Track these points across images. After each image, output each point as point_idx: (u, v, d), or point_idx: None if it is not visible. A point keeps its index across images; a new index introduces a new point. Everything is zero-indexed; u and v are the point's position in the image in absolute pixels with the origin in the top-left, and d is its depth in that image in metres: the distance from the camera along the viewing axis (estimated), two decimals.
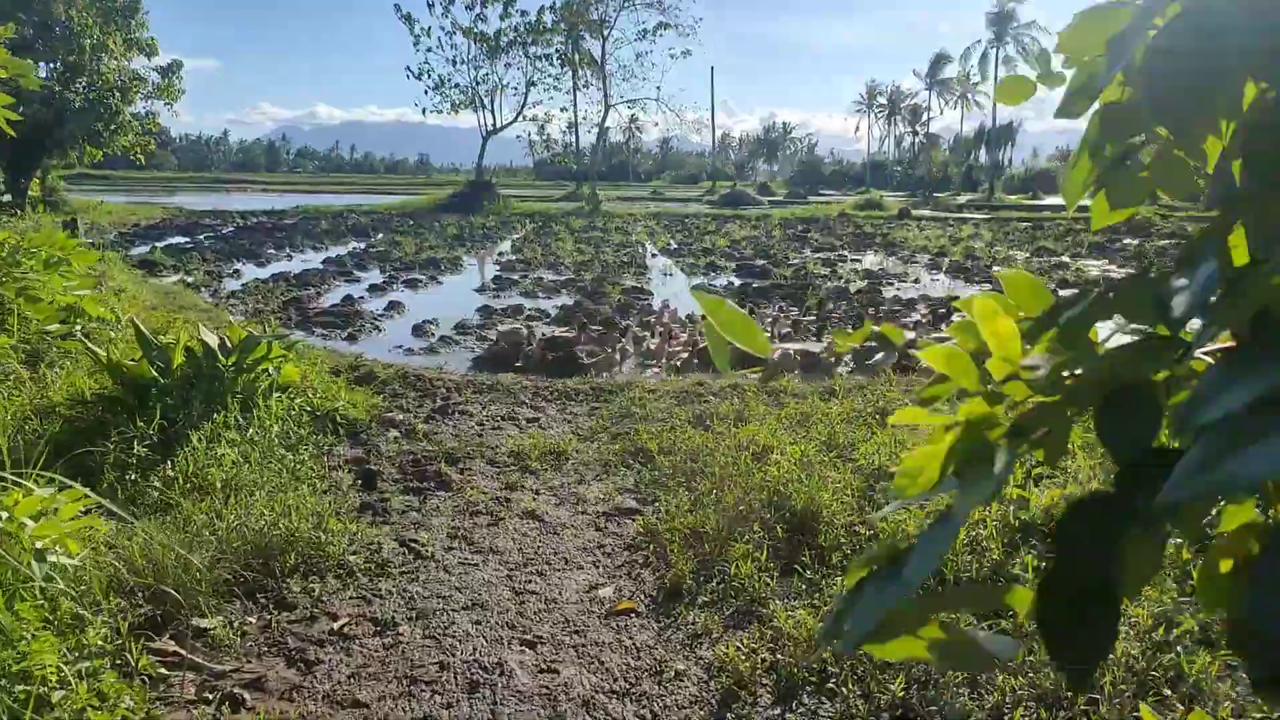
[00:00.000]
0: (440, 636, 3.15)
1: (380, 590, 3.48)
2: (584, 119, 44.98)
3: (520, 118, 38.76)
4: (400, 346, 8.50)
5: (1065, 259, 18.62)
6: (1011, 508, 3.65)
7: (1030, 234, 25.57)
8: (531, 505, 4.33)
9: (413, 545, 3.86)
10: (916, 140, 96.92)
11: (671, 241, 21.52)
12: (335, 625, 3.21)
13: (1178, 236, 24.57)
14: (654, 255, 18.68)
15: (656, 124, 56.60)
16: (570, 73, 41.34)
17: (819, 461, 4.49)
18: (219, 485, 4.07)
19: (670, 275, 15.34)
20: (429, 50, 36.51)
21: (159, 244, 17.47)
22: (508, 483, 4.66)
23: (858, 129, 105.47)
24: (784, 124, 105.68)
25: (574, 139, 48.61)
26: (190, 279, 12.67)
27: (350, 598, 3.42)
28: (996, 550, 3.42)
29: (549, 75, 38.62)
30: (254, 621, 3.24)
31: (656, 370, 7.71)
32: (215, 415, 4.78)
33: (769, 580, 3.41)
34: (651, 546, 3.83)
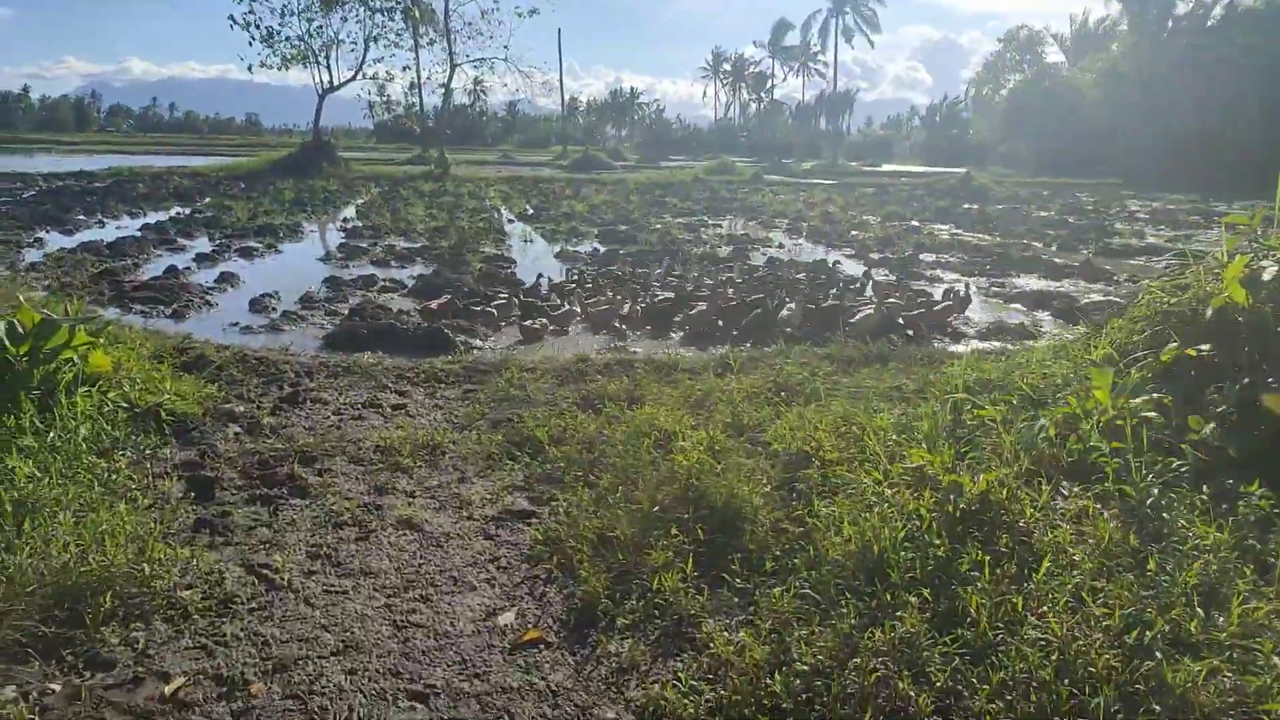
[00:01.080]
0: (306, 695, 2.54)
1: (225, 635, 2.81)
2: (428, 79, 43.03)
3: (360, 76, 36.51)
4: (236, 324, 7.53)
5: (915, 223, 19.09)
6: (952, 496, 3.33)
7: (878, 199, 26.23)
8: (407, 511, 3.72)
9: (264, 572, 3.19)
10: (761, 106, 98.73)
11: (528, 206, 20.74)
12: (167, 689, 2.54)
13: (1011, 202, 25.78)
14: (511, 221, 17.89)
15: (505, 85, 54.54)
16: (412, 29, 39.27)
17: (728, 448, 4.07)
18: (9, 508, 3.27)
19: (530, 241, 14.66)
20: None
21: None
22: (376, 484, 4.02)
23: (705, 94, 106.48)
24: (631, 88, 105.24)
25: (418, 100, 46.48)
26: None
27: (186, 648, 2.74)
28: (942, 546, 3.09)
29: (389, 32, 36.52)
30: (58, 690, 2.53)
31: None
32: (4, 417, 3.91)
33: (698, 595, 2.96)
34: (555, 558, 3.30)
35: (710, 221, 18.60)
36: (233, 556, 3.31)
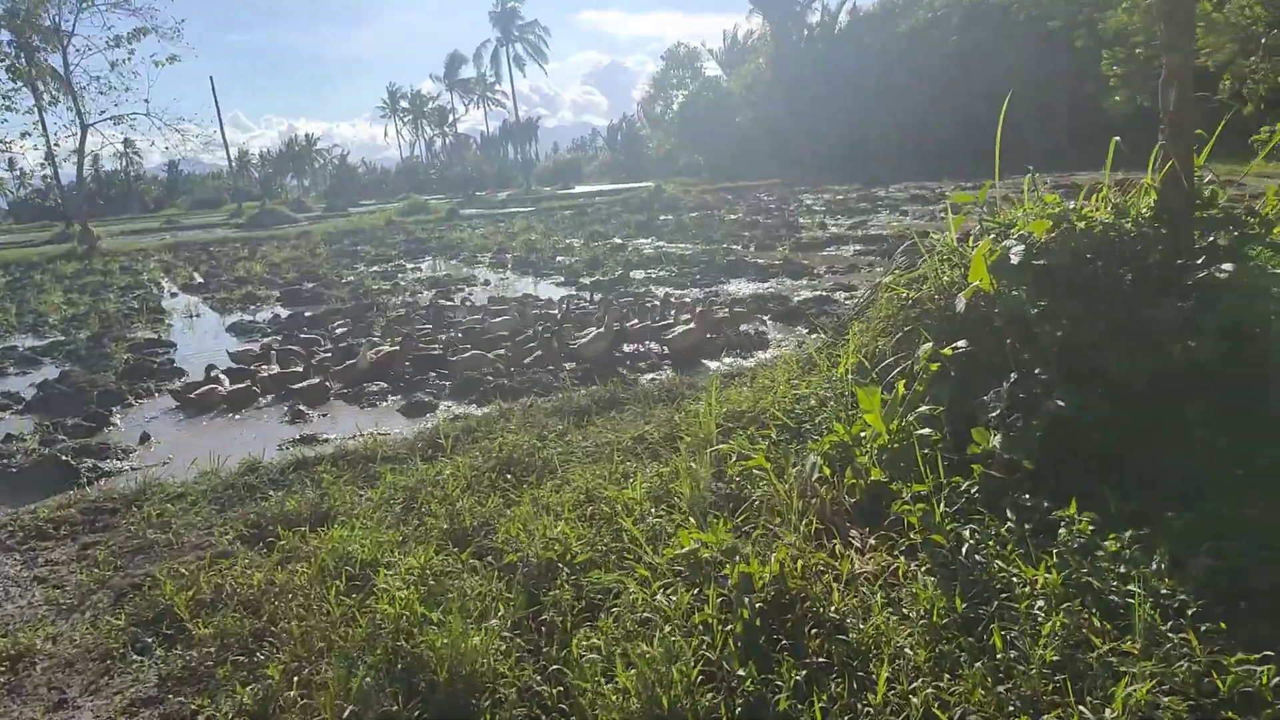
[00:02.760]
0: None
1: None
2: (57, 146, 37.39)
3: None
4: None
5: (618, 240, 18.95)
6: (746, 599, 2.56)
7: (578, 220, 26.10)
8: None
9: None
10: (447, 141, 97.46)
11: (195, 275, 18.25)
12: None
13: (702, 209, 26.65)
14: (174, 294, 15.52)
15: (153, 143, 48.78)
16: (31, 90, 33.88)
17: (448, 572, 3.07)
18: None
19: (197, 316, 12.63)
20: None
21: None
22: None
23: (386, 134, 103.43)
24: (307, 135, 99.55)
25: (53, 170, 40.47)
26: None
27: None
28: (749, 675, 2.30)
29: None
30: None
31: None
32: None
33: None
34: None
35: (409, 266, 17.30)
36: None
